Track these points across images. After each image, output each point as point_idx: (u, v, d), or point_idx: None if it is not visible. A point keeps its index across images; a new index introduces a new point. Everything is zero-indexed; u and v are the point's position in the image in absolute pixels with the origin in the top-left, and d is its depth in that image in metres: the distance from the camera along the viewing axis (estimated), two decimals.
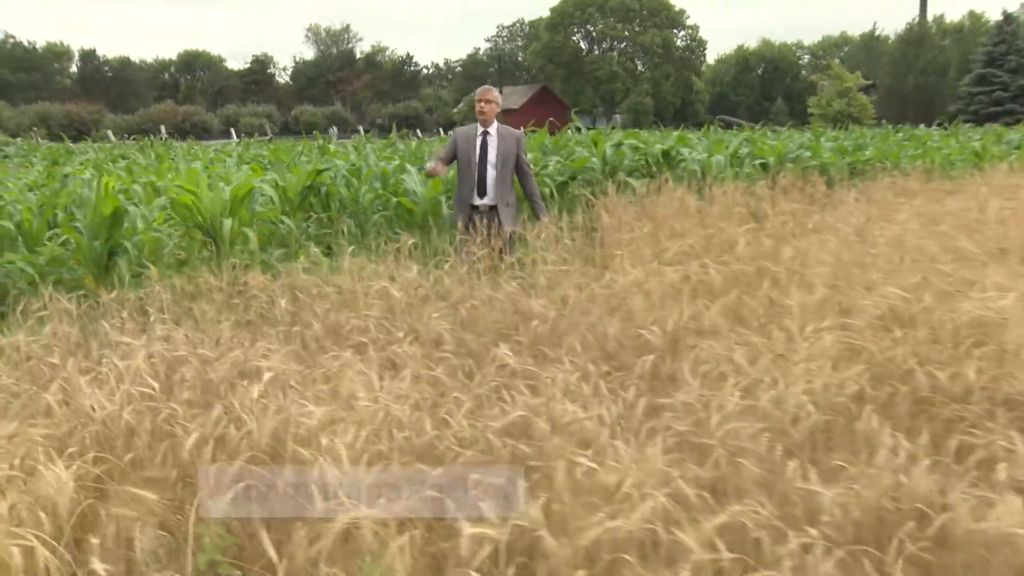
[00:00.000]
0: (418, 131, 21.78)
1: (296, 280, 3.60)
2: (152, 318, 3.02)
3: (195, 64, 69.16)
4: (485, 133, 5.08)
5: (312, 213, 7.19)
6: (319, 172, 7.00)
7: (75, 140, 19.21)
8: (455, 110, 57.59)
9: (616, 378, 2.58)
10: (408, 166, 7.49)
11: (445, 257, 3.99)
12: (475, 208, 5.06)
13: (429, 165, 5.20)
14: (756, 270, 3.58)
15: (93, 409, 2.15)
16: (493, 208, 5.06)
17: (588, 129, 12.10)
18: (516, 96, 58.63)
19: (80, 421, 2.13)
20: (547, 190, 7.45)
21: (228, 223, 5.57)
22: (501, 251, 4.46)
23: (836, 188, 6.64)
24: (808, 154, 9.34)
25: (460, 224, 5.00)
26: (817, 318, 2.87)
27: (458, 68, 76.86)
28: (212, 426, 2.14)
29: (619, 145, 8.26)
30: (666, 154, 8.25)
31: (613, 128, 18.48)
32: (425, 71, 76.14)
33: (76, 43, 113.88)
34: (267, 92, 66.18)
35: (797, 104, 56.80)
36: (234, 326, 3.05)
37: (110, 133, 23.38)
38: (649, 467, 1.88)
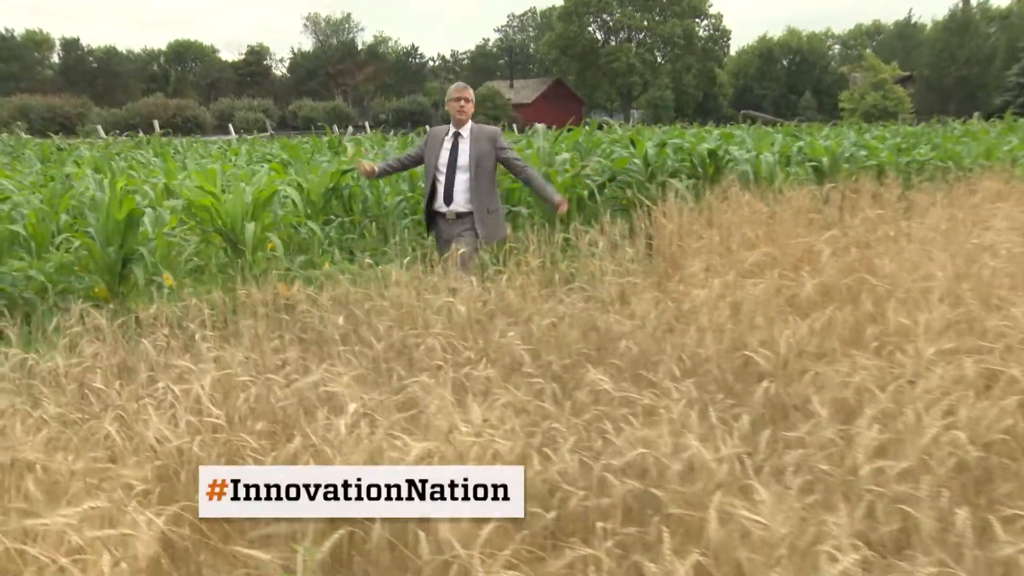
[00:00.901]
0: (427, 127, 21.75)
1: (343, 292, 3.51)
2: (197, 336, 2.93)
3: (186, 55, 69.36)
4: (456, 135, 4.84)
5: (333, 216, 7.11)
6: (343, 173, 6.92)
7: (58, 134, 19.17)
8: None
9: (721, 405, 2.48)
10: None
11: (501, 268, 3.88)
12: (441, 215, 4.86)
13: (366, 164, 5.07)
14: (852, 283, 3.47)
15: (158, 442, 2.06)
16: (464, 216, 4.83)
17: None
18: (528, 90, 58.67)
19: (145, 456, 2.04)
20: (586, 192, 7.35)
21: (251, 228, 5.48)
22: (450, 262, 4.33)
23: (905, 191, 6.52)
24: (864, 153, 9.23)
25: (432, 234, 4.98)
26: (937, 339, 2.76)
27: (466, 60, 77.13)
28: (290, 461, 2.06)
29: (663, 145, 8.16)
30: (712, 154, 8.14)
31: (634, 126, 18.37)
32: (431, 63, 76.37)
33: (57, 31, 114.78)
34: (263, 85, 66.47)
35: (827, 98, 56.56)
36: (287, 345, 2.96)
37: (100, 128, 23.39)
38: (789, 510, 1.78)
